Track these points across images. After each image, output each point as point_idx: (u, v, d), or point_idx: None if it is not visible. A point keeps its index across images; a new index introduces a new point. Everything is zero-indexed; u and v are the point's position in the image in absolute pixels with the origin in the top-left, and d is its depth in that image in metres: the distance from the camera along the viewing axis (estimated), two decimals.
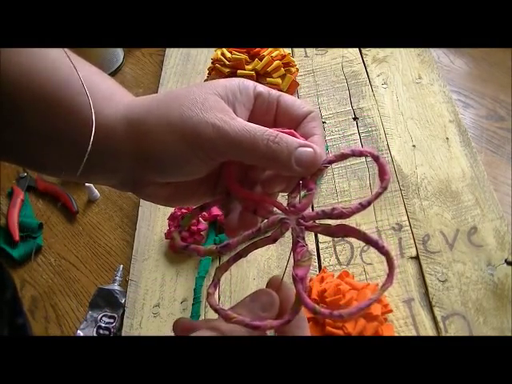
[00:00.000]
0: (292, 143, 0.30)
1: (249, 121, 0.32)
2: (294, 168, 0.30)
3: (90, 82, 0.32)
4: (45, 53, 0.32)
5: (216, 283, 0.29)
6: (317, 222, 0.31)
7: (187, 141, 0.30)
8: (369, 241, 0.30)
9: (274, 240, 0.30)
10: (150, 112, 0.31)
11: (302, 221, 0.30)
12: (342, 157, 0.32)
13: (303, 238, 0.30)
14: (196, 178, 0.32)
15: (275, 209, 0.32)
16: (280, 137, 0.30)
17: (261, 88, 0.33)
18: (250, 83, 0.33)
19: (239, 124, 0.30)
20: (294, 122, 0.33)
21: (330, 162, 0.31)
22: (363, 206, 0.30)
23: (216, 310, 0.27)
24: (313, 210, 0.68)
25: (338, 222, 0.30)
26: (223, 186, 0.34)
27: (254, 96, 0.33)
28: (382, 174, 0.30)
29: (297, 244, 0.30)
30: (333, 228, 0.30)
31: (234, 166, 0.32)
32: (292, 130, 0.32)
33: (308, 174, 0.31)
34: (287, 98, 0.34)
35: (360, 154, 0.31)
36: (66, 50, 0.33)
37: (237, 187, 0.32)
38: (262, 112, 0.33)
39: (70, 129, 0.31)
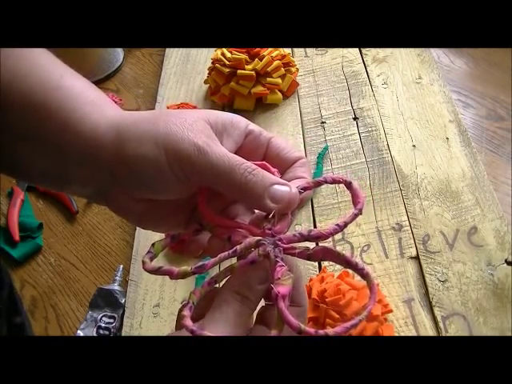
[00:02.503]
0: (268, 179, 0.30)
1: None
2: (268, 205, 0.30)
3: (80, 89, 0.32)
4: (35, 59, 0.32)
5: (191, 306, 0.29)
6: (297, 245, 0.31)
7: (167, 155, 0.30)
8: (348, 263, 0.30)
9: (251, 262, 0.30)
10: (137, 122, 0.31)
11: (279, 242, 0.30)
12: (316, 184, 0.32)
13: (282, 259, 0.30)
14: (171, 197, 0.32)
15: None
16: (258, 171, 0.30)
17: (253, 127, 0.34)
18: (244, 120, 0.33)
19: (221, 150, 0.30)
20: (284, 166, 0.33)
21: (305, 189, 0.31)
22: (340, 227, 0.30)
23: (192, 332, 0.27)
24: (313, 210, 0.68)
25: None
26: (197, 218, 0.33)
27: (246, 133, 0.33)
28: (356, 198, 0.30)
29: (276, 264, 0.29)
30: (311, 251, 0.30)
31: (207, 192, 0.32)
32: (264, 162, 0.32)
33: (282, 212, 0.30)
34: (279, 141, 0.34)
35: (332, 182, 0.31)
36: (55, 57, 0.33)
37: (209, 213, 0.32)
38: (250, 150, 0.33)
39: (55, 133, 0.31)
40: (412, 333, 0.53)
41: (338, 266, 0.60)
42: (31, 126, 0.31)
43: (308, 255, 0.31)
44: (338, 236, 0.62)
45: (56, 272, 0.73)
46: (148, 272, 0.30)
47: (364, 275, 0.29)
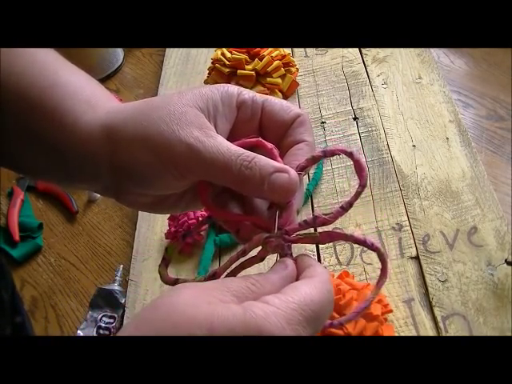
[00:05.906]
0: (266, 169, 0.29)
1: (232, 131, 0.31)
2: (268, 194, 0.29)
3: (75, 87, 0.32)
4: (32, 56, 0.32)
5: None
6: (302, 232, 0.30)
7: (160, 156, 0.29)
8: (357, 241, 0.29)
9: (261, 259, 0.29)
10: (127, 121, 0.30)
11: (286, 236, 0.29)
12: (314, 160, 0.30)
13: (291, 255, 0.29)
14: (173, 192, 0.32)
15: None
16: (254, 161, 0.29)
17: (245, 95, 0.32)
18: (234, 91, 0.32)
19: (214, 145, 0.29)
20: (282, 128, 0.32)
21: (303, 169, 0.30)
22: (344, 209, 0.29)
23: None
24: (313, 210, 0.68)
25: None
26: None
27: (237, 105, 0.31)
28: (359, 170, 0.28)
29: None
30: (318, 236, 0.30)
31: (208, 187, 0.31)
32: (259, 139, 0.31)
33: (283, 199, 0.29)
34: (273, 102, 0.32)
35: (332, 154, 0.30)
36: (54, 52, 0.33)
37: (213, 209, 0.31)
38: (245, 120, 0.32)
39: (52, 133, 0.31)
40: (412, 333, 0.53)
41: (337, 266, 0.60)
42: (29, 126, 0.31)
43: (317, 241, 0.30)
44: None
45: (56, 272, 0.73)
46: (167, 285, 0.30)
47: (374, 250, 0.29)
